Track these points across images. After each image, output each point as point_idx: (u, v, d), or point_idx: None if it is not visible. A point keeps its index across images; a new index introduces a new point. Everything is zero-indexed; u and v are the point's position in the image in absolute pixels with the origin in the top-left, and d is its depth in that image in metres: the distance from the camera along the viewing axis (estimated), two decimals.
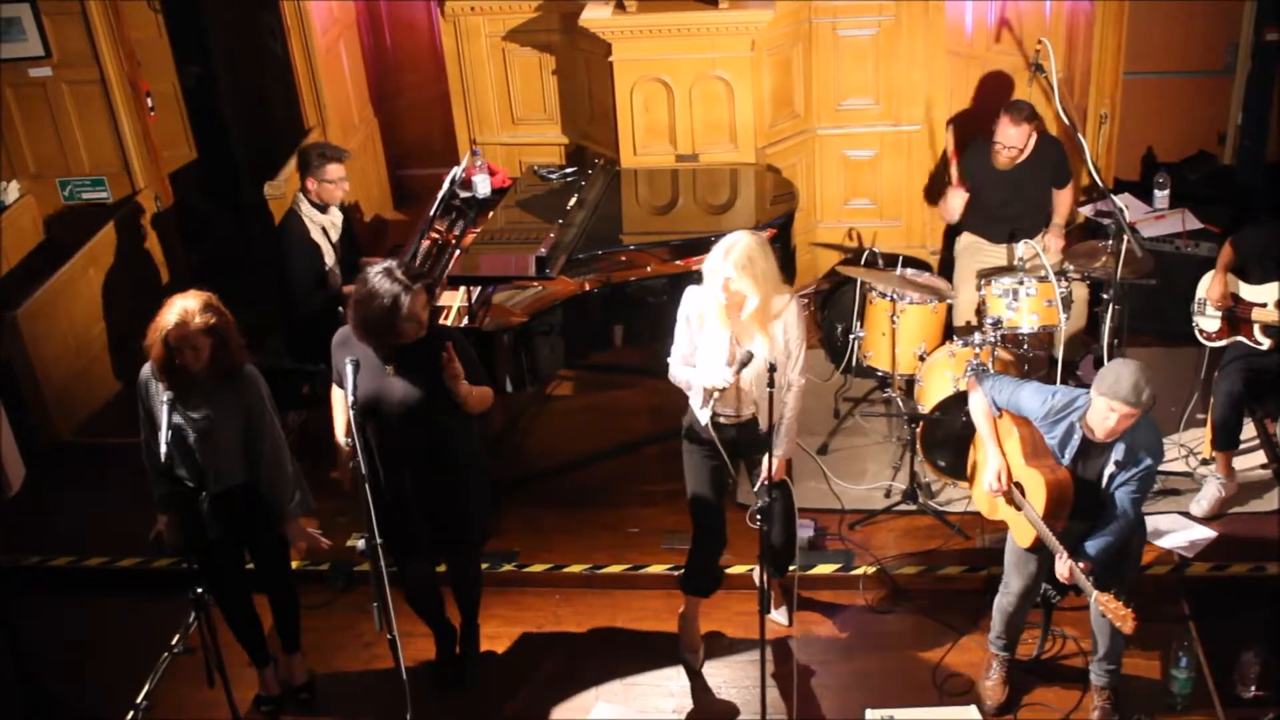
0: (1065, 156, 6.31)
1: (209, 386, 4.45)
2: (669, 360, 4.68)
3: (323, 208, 5.87)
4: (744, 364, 4.38)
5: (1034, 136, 6.12)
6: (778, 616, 5.29)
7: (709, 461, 4.74)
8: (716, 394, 4.46)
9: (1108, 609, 4.16)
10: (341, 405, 4.60)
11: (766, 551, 4.42)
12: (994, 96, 7.02)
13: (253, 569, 4.86)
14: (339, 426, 4.67)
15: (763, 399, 4.40)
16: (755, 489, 4.62)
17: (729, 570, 5.38)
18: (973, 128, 6.79)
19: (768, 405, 4.37)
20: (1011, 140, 6.03)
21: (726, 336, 4.48)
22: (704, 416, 4.56)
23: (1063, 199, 6.34)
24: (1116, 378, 4.12)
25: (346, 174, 5.91)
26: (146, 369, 4.49)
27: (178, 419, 4.42)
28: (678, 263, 5.81)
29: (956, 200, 6.32)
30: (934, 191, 7.10)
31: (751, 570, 5.38)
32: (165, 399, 4.29)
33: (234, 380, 4.49)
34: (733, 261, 4.36)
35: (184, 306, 4.33)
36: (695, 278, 5.62)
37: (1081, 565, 4.23)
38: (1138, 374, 4.11)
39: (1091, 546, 4.28)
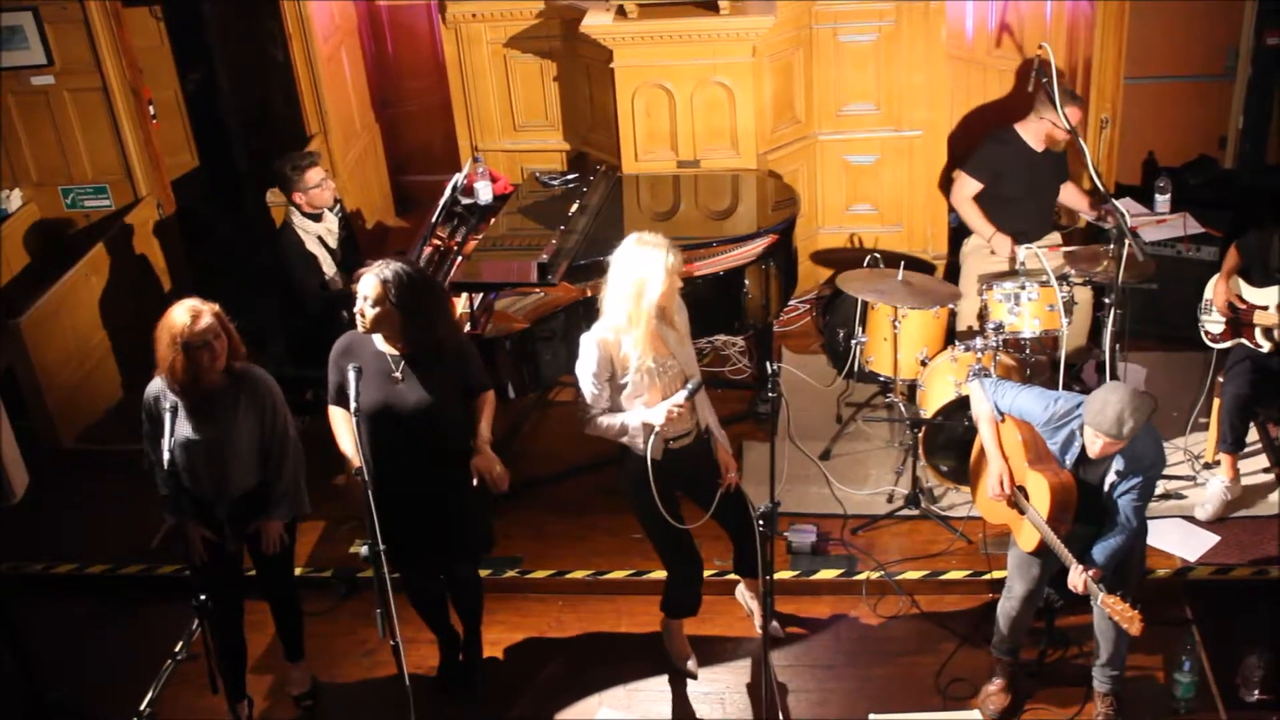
0: (1066, 152, 6.35)
1: (222, 394, 4.45)
2: (583, 418, 4.54)
3: (316, 216, 5.87)
4: (694, 392, 4.44)
5: None
6: (775, 625, 5.27)
7: (662, 500, 4.55)
8: (660, 425, 4.42)
9: (1114, 611, 4.16)
10: (342, 423, 4.57)
11: (763, 555, 4.40)
12: (994, 100, 7.04)
13: (255, 574, 4.85)
14: (345, 444, 4.59)
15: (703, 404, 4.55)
16: (720, 493, 4.66)
17: (726, 576, 5.38)
18: (974, 131, 6.79)
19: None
20: (1074, 123, 6.00)
21: (644, 360, 4.41)
22: (652, 450, 4.45)
23: (1070, 192, 6.40)
24: (1101, 407, 4.10)
25: (327, 173, 5.91)
26: (154, 384, 4.44)
27: (194, 433, 4.41)
28: None
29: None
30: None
31: (739, 585, 5.38)
32: (169, 405, 4.29)
33: (245, 384, 4.49)
34: (675, 253, 4.37)
35: (190, 305, 4.33)
36: (699, 283, 5.69)
37: (1092, 572, 4.23)
38: (1123, 404, 4.06)
39: (1098, 553, 4.28)
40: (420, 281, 4.41)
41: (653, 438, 4.44)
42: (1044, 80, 5.87)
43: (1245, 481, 5.67)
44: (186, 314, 4.30)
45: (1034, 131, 6.17)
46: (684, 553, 4.85)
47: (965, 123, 7.23)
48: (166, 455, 4.23)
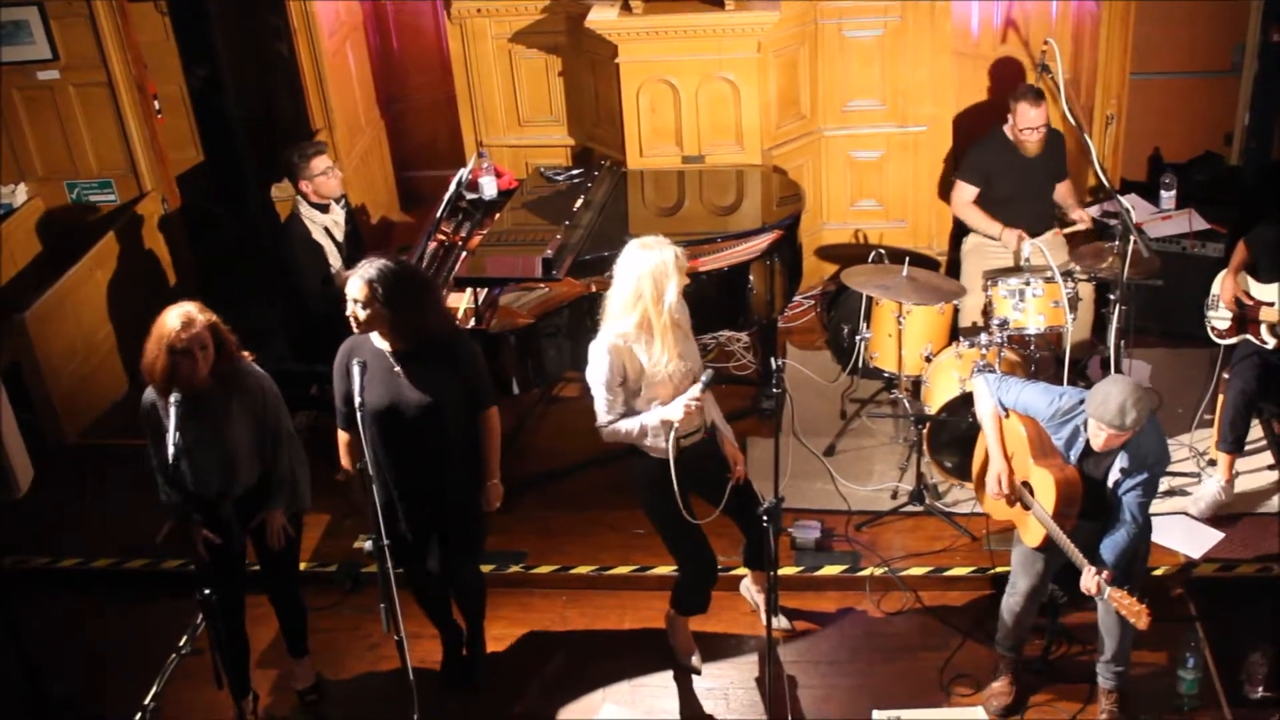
0: (1065, 150, 6.33)
1: (213, 395, 4.44)
2: (602, 425, 4.50)
3: (324, 207, 5.87)
4: (708, 384, 4.41)
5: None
6: (781, 619, 5.27)
7: (677, 501, 4.52)
8: (679, 421, 4.41)
9: (1121, 605, 4.16)
10: (344, 447, 4.64)
11: (767, 550, 4.41)
12: (1000, 97, 7.02)
13: (259, 570, 4.85)
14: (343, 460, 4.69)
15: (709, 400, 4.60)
16: (730, 487, 4.66)
17: (732, 572, 5.37)
18: (979, 127, 6.79)
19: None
20: (1036, 121, 6.05)
21: (669, 363, 4.41)
22: (672, 449, 4.45)
23: (1064, 190, 6.37)
24: (1104, 399, 4.09)
25: (334, 162, 5.91)
26: (150, 393, 4.45)
27: (191, 434, 4.39)
28: None
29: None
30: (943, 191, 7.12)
31: (744, 579, 5.38)
32: (174, 400, 4.28)
33: (236, 384, 4.48)
34: (682, 257, 4.39)
35: (182, 310, 4.33)
36: (704, 278, 5.68)
37: (1105, 574, 4.22)
38: (1125, 396, 4.06)
39: (1106, 552, 4.28)
40: (405, 277, 4.41)
41: (671, 437, 4.43)
42: (1048, 75, 5.87)
43: (1251, 480, 5.66)
44: (178, 319, 4.30)
45: (1011, 132, 6.17)
46: (699, 552, 4.84)
47: (970, 119, 7.22)
48: (171, 453, 4.24)
